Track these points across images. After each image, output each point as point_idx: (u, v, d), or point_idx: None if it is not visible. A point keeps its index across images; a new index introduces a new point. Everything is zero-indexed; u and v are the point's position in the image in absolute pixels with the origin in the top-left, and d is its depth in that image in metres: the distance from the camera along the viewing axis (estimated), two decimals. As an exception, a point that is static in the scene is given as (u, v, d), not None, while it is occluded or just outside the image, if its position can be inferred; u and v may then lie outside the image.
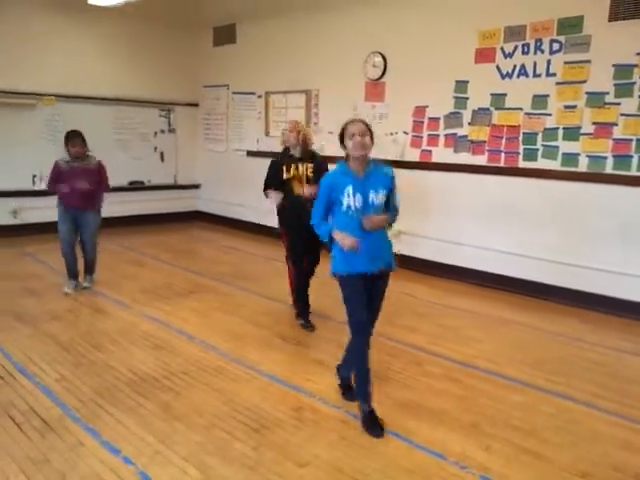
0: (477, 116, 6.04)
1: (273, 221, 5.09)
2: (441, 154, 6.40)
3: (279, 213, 4.80)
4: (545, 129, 5.54)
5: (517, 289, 5.84)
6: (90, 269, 5.72)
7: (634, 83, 4.97)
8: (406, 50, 6.59)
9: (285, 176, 4.59)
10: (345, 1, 7.19)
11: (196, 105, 9.78)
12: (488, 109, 5.94)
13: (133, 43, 8.84)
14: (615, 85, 5.07)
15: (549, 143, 5.53)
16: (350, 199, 3.08)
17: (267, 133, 8.55)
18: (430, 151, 6.49)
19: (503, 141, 5.86)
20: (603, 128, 5.17)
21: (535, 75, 5.57)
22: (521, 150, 5.73)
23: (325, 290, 4.67)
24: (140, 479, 2.60)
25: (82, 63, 8.33)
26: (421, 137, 6.56)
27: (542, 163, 5.59)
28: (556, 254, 5.55)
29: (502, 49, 5.77)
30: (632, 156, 5.03)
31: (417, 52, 6.47)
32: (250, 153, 8.78)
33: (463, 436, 3.08)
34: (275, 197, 4.65)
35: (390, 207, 3.24)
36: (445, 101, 6.27)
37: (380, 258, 3.17)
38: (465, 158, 6.18)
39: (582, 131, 5.30)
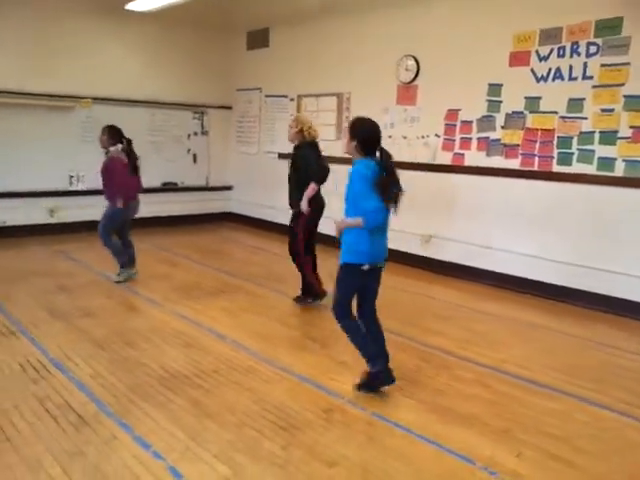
0: (511, 119, 5.98)
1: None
2: (473, 157, 6.35)
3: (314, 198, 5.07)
4: (581, 133, 5.45)
5: (545, 293, 5.76)
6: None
7: (674, 86, 4.87)
8: (439, 53, 6.56)
9: None
10: (378, 5, 7.20)
11: (229, 108, 9.90)
12: (522, 112, 5.87)
13: (168, 47, 9.00)
14: (655, 88, 4.97)
15: (584, 147, 5.44)
16: None
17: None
18: (462, 154, 6.45)
19: (537, 145, 5.79)
20: (642, 132, 5.07)
21: (571, 78, 5.48)
22: (555, 154, 5.65)
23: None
24: (170, 474, 2.64)
25: (118, 67, 8.53)
26: (453, 140, 6.53)
27: (577, 167, 5.50)
28: (587, 259, 5.45)
29: (537, 52, 5.71)
30: (671, 161, 4.92)
31: (450, 55, 6.44)
32: (282, 155, 8.82)
33: (493, 441, 3.04)
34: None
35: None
36: (478, 104, 6.23)
37: (385, 251, 3.53)
38: (498, 162, 6.12)
39: (619, 135, 5.20)
